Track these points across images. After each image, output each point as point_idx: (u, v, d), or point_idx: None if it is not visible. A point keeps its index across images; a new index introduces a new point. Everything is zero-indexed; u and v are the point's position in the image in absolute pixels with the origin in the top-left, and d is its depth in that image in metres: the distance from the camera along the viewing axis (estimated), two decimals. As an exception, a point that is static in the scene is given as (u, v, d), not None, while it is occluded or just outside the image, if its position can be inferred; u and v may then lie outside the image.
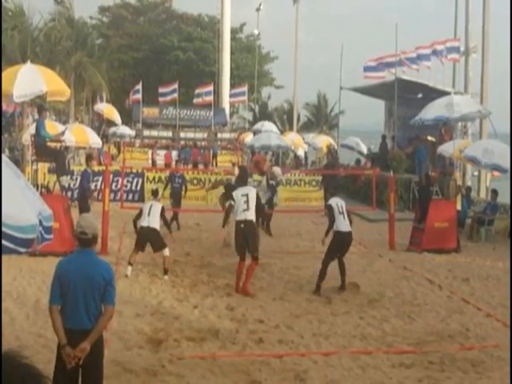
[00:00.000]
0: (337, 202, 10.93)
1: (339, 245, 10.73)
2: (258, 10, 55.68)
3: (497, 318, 9.16)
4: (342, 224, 10.73)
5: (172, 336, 7.96)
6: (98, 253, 12.52)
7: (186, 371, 6.87)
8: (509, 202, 17.09)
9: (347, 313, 9.31)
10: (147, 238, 11.34)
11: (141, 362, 7.03)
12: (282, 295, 10.22)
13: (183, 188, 16.84)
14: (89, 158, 15.19)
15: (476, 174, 21.97)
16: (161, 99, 47.17)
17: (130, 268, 11.26)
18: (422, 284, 11.24)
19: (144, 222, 11.30)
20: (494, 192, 17.09)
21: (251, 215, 10.55)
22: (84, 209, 13.83)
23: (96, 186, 18.19)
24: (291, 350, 7.70)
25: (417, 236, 14.61)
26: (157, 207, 11.50)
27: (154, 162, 34.78)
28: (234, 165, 17.67)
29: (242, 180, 11.33)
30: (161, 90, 47.12)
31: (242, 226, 10.46)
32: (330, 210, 10.92)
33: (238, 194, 10.75)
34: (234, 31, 56.86)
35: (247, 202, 10.53)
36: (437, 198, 15.10)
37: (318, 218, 19.45)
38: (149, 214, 11.32)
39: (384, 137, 27.08)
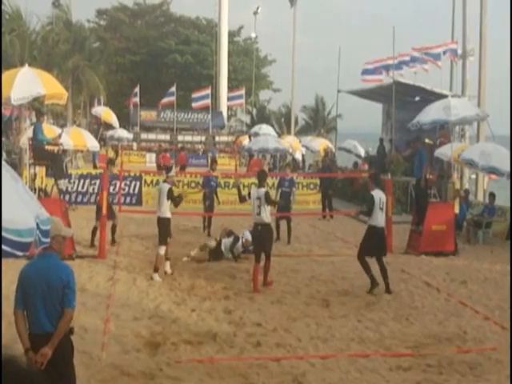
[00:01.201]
0: (380, 197, 10.92)
1: (374, 240, 10.78)
2: (255, 13, 55.82)
3: (494, 320, 9.17)
4: (380, 219, 10.82)
5: (170, 339, 7.95)
6: (96, 256, 12.68)
7: (183, 375, 6.86)
8: (505, 204, 17.11)
9: (345, 316, 9.30)
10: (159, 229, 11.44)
11: (138, 366, 7.02)
12: (279, 298, 10.21)
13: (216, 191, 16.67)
14: (110, 162, 15.38)
15: (473, 176, 21.97)
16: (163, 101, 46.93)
17: (168, 263, 11.54)
18: (419, 287, 11.23)
19: (157, 212, 11.54)
20: (492, 195, 17.12)
21: (261, 219, 10.68)
22: (110, 215, 13.83)
23: (93, 189, 18.36)
24: (289, 354, 7.70)
25: (414, 239, 14.61)
26: (164, 191, 11.34)
27: (159, 167, 34.21)
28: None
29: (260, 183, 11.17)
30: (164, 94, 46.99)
31: (259, 228, 10.78)
32: (370, 203, 10.88)
33: (253, 196, 10.93)
34: (231, 34, 57.01)
35: (260, 205, 10.62)
36: (435, 200, 15.11)
37: (316, 222, 19.48)
38: (159, 203, 11.51)
39: (382, 140, 27.07)
